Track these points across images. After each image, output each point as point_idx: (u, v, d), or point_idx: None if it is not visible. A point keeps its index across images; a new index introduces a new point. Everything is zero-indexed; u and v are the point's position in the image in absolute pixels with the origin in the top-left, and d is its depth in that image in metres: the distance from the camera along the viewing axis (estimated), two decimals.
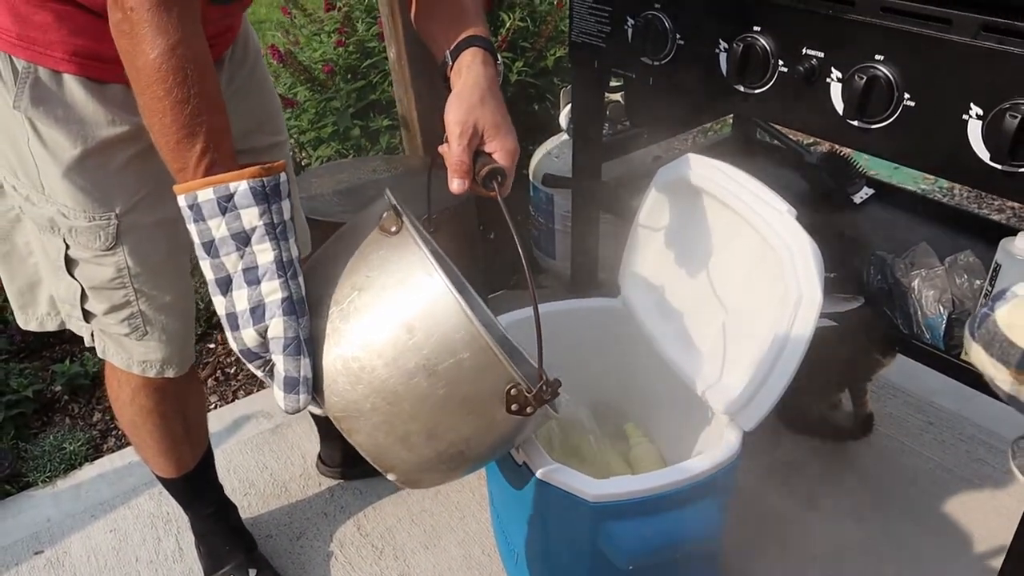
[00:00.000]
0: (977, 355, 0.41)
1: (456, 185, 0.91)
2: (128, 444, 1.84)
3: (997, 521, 1.48)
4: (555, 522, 1.12)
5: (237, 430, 1.83)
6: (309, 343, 0.83)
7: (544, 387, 0.85)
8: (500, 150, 0.92)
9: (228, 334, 0.83)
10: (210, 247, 0.80)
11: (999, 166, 0.98)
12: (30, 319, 1.17)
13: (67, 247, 1.04)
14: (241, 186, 0.79)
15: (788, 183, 1.70)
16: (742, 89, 1.24)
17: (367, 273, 0.85)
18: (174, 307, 1.13)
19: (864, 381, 1.66)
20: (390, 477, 0.92)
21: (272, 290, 0.81)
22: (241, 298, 0.81)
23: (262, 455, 1.76)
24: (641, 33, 1.34)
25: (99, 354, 1.17)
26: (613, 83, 1.69)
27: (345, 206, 1.63)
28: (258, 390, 1.98)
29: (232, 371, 2.06)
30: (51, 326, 1.17)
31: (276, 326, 0.81)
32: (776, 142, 1.90)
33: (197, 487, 1.39)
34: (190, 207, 0.80)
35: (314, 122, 2.35)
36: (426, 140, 1.86)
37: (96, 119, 0.98)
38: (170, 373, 1.17)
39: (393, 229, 0.86)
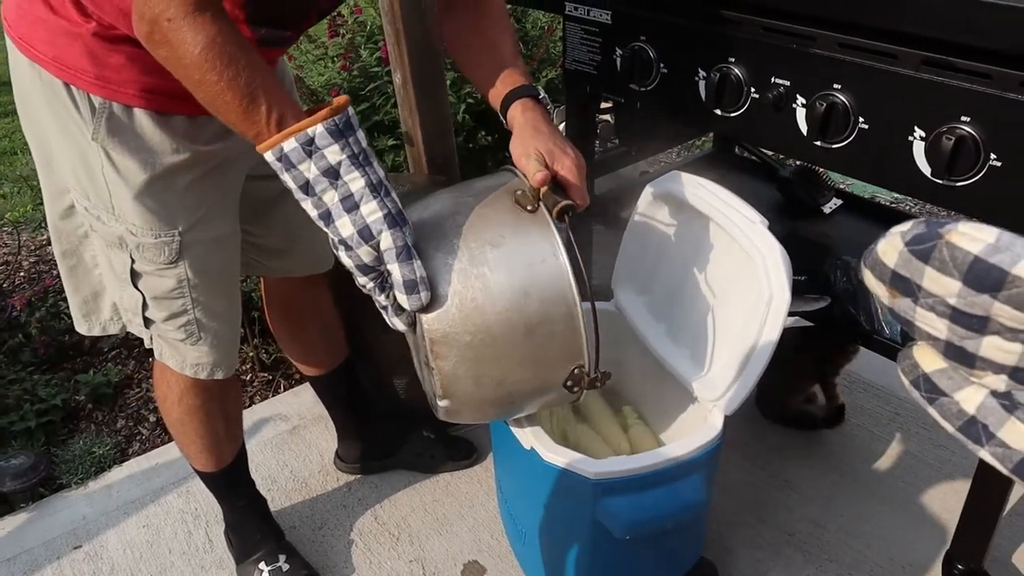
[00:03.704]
0: (868, 278, 0.56)
1: (539, 178, 1.03)
2: (154, 447, 1.97)
3: (955, 499, 1.63)
4: (559, 499, 1.26)
5: (257, 432, 1.96)
6: (416, 247, 0.96)
7: (599, 376, 1.04)
8: (562, 168, 1.05)
9: (343, 255, 0.96)
10: (307, 188, 0.93)
11: (939, 180, 1.13)
12: (93, 325, 1.30)
13: (133, 261, 1.17)
14: (318, 129, 0.91)
15: (764, 195, 1.85)
16: (719, 113, 1.39)
17: (502, 233, 1.01)
18: (225, 315, 1.26)
19: (833, 375, 1.81)
20: (442, 404, 1.07)
21: (372, 210, 0.93)
22: (345, 225, 0.93)
23: (282, 454, 1.89)
24: (629, 62, 1.48)
25: (156, 357, 1.30)
26: (603, 104, 1.84)
27: None
28: (273, 394, 2.11)
29: (248, 378, 2.18)
30: (113, 330, 1.30)
31: (386, 239, 0.94)
32: (753, 158, 2.05)
33: (233, 480, 1.52)
34: (278, 159, 0.92)
35: None
36: (430, 159, 1.99)
37: (162, 147, 1.11)
38: (219, 375, 1.30)
39: (529, 208, 1.02)
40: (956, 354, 0.54)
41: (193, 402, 1.35)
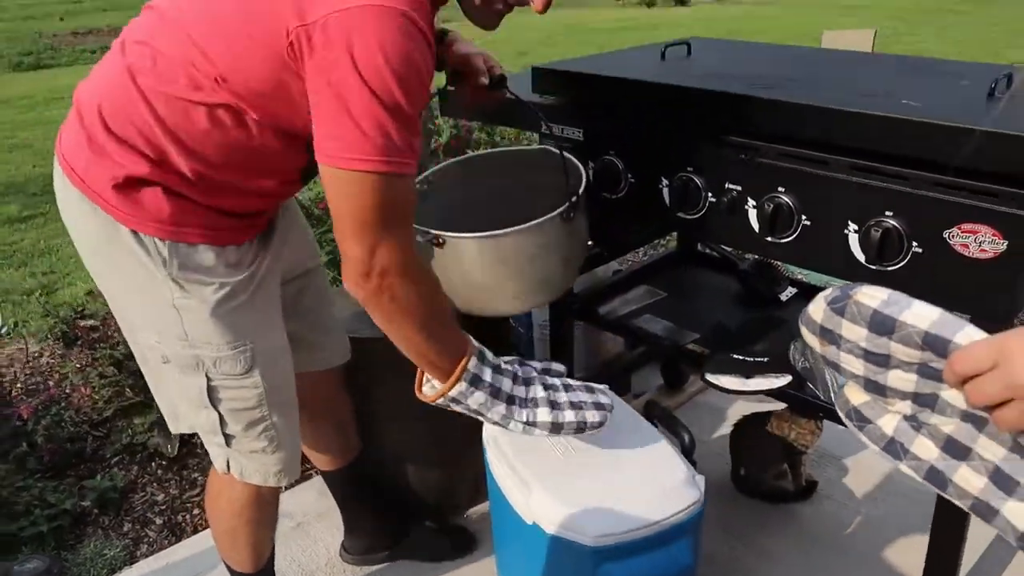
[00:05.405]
0: (804, 333, 0.71)
1: (484, 80, 1.42)
2: (161, 549, 2.03)
3: (917, 556, 1.76)
4: (559, 568, 1.37)
5: None
6: None
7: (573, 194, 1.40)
8: (497, 67, 1.46)
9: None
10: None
11: (873, 266, 1.32)
12: (182, 425, 1.39)
13: (209, 380, 1.29)
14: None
15: (726, 287, 2.04)
16: (682, 215, 1.58)
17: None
18: (293, 419, 1.39)
19: (801, 454, 1.96)
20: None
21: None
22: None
23: (289, 549, 1.97)
24: (600, 173, 1.68)
25: (237, 477, 1.40)
26: None
27: (364, 325, 1.91)
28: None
29: None
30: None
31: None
32: (714, 254, 2.25)
33: None
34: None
35: None
36: None
37: (223, 272, 1.26)
38: (295, 477, 1.42)
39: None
40: (873, 387, 0.71)
41: (253, 515, 1.45)
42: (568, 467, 1.41)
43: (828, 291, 0.71)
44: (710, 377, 1.61)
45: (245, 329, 1.30)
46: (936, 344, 0.64)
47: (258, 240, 1.32)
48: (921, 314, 0.65)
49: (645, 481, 1.38)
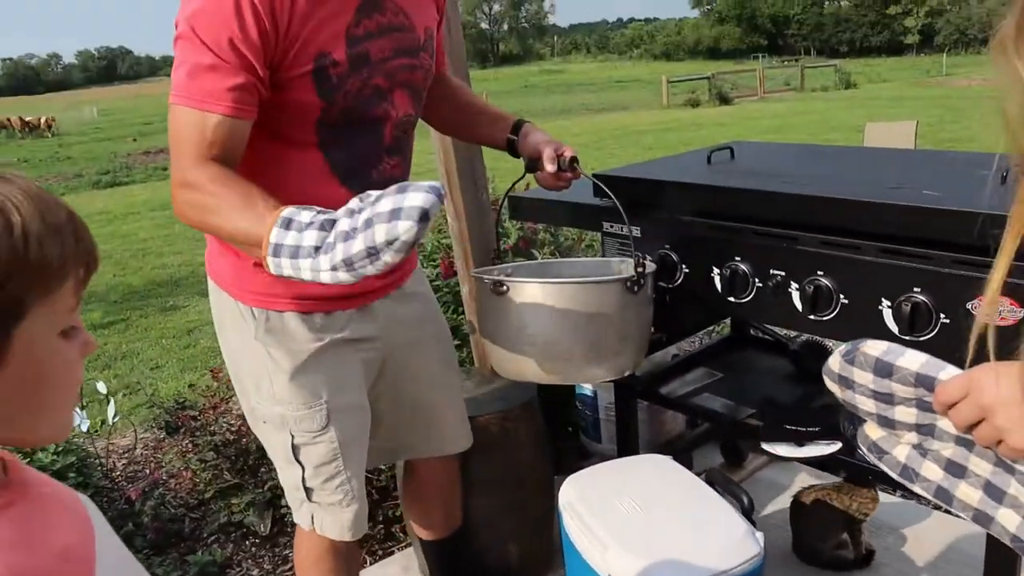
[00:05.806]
0: (826, 382, 0.87)
1: (551, 167, 1.58)
2: None
3: None
4: None
5: None
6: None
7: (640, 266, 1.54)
8: (567, 150, 1.60)
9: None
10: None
11: (906, 337, 1.48)
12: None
13: (293, 437, 1.46)
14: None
15: (778, 366, 2.19)
16: (732, 300, 1.75)
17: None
18: (362, 477, 1.54)
19: (859, 523, 2.06)
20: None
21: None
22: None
23: None
24: (657, 265, 1.88)
25: (318, 531, 1.53)
26: None
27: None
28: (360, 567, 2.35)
29: None
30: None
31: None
32: (767, 337, 2.41)
33: None
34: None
35: None
36: None
37: (306, 338, 1.44)
38: (362, 533, 1.55)
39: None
40: (884, 422, 0.87)
41: (331, 565, 1.57)
42: (639, 525, 1.56)
43: (842, 347, 0.89)
44: (766, 446, 1.75)
45: (319, 390, 1.44)
46: (925, 381, 0.81)
47: (354, 312, 1.48)
48: (912, 358, 0.82)
49: (709, 536, 1.53)
